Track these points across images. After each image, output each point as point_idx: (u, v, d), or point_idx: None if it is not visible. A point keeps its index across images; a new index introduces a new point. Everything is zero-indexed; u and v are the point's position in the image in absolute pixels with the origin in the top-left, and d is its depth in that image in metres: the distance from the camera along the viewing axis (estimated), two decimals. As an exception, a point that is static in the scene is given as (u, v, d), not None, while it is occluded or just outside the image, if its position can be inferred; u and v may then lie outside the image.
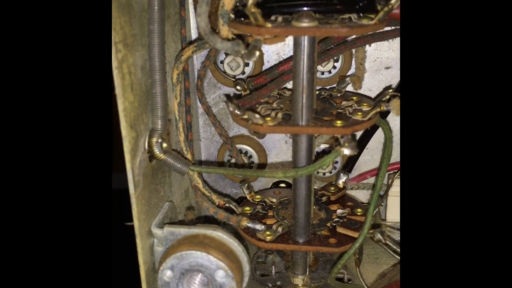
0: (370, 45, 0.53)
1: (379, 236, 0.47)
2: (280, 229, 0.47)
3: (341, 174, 0.54)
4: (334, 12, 0.41)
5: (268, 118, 0.42)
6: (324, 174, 0.59)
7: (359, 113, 0.43)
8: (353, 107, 0.44)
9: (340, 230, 0.47)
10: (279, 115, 0.42)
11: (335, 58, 0.53)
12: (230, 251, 0.43)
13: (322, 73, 0.54)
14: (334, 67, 0.54)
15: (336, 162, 0.59)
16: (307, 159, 0.44)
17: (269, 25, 0.38)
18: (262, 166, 0.59)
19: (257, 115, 0.40)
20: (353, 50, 0.53)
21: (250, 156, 0.59)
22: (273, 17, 0.40)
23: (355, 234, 0.46)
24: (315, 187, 0.54)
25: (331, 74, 0.54)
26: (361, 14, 0.40)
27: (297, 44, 0.40)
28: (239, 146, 0.58)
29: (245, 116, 0.41)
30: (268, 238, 0.46)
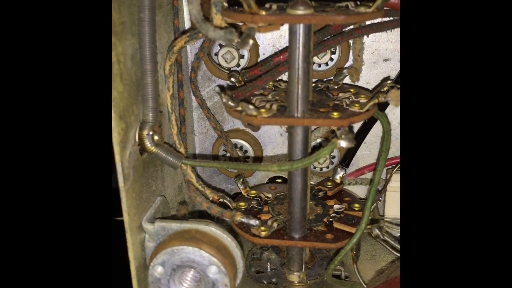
0: (368, 37, 0.52)
1: (377, 231, 0.46)
2: (275, 224, 0.46)
3: (339, 169, 0.53)
4: (331, 0, 0.40)
5: (263, 110, 0.40)
6: (321, 169, 0.58)
7: (357, 105, 0.42)
8: (351, 99, 0.43)
9: (337, 225, 0.46)
10: (274, 106, 0.41)
11: (332, 49, 0.52)
12: (223, 247, 0.42)
13: (319, 65, 0.53)
14: (331, 59, 0.53)
15: (334, 157, 0.57)
16: (303, 152, 0.43)
17: (263, 12, 0.37)
18: (258, 160, 0.58)
19: (251, 106, 0.39)
20: (351, 42, 0.52)
21: (246, 151, 0.58)
22: (267, 5, 0.39)
23: (353, 230, 0.45)
24: (312, 182, 0.53)
25: (328, 66, 0.53)
26: (358, 2, 0.39)
27: (292, 33, 0.39)
28: (234, 140, 0.57)
29: (239, 108, 0.40)
30: (263, 233, 0.45)
